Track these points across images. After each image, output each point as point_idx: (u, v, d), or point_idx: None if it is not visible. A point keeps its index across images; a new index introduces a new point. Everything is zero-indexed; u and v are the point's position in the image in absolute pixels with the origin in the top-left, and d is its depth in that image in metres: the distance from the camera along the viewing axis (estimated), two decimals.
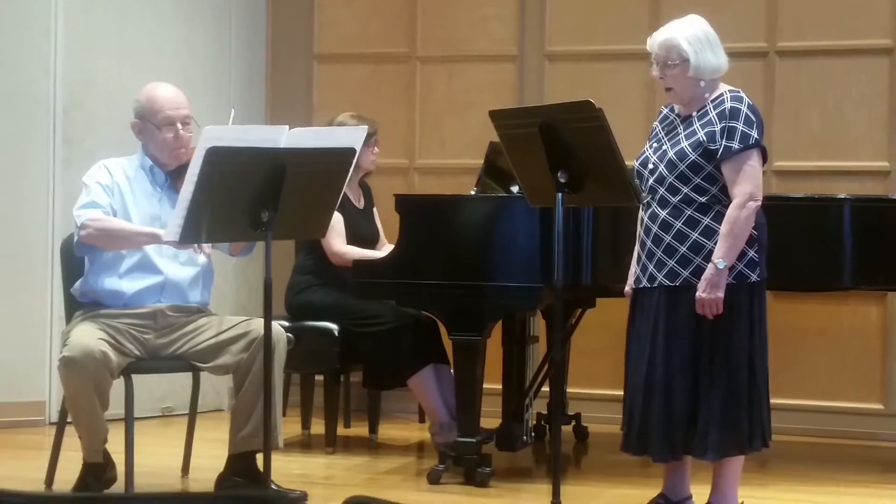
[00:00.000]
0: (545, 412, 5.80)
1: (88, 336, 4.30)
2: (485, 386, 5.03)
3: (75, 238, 4.49)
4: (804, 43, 6.25)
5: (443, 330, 5.19)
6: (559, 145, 3.97)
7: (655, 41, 4.17)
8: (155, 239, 4.38)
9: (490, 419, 5.34)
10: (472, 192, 5.28)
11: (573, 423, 5.91)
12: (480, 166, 5.40)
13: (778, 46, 6.29)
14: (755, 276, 4.13)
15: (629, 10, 6.38)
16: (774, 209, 4.87)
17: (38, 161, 6.08)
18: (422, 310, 5.32)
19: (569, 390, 5.97)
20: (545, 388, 5.64)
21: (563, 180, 3.98)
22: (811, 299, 6.07)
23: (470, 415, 4.93)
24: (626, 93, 6.33)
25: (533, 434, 5.53)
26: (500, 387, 5.39)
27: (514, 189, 5.19)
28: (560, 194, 3.99)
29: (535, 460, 5.56)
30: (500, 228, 4.96)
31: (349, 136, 4.11)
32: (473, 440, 4.92)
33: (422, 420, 6.16)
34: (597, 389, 6.20)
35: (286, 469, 5.07)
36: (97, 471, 4.42)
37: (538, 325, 5.62)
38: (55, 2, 6.09)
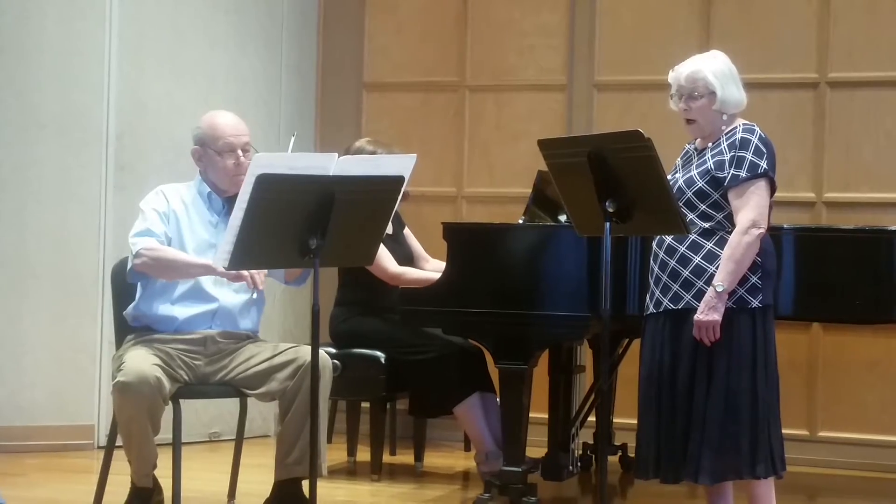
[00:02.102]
0: (591, 442, 5.77)
1: (143, 361, 4.32)
2: (531, 415, 5.02)
3: (129, 265, 4.51)
4: (855, 74, 6.22)
5: (489, 358, 5.19)
6: (608, 175, 3.96)
7: (681, 74, 4.26)
8: (208, 270, 4.41)
9: (536, 448, 5.33)
10: (520, 221, 5.29)
11: (619, 453, 5.88)
12: (528, 195, 5.40)
13: (829, 77, 6.26)
14: (756, 303, 4.14)
15: (678, 40, 6.37)
16: (825, 241, 4.83)
17: (90, 186, 6.14)
18: (468, 338, 5.31)
19: (615, 420, 5.93)
20: (591, 418, 5.62)
21: (611, 210, 3.97)
22: (862, 332, 6.02)
23: (516, 444, 4.92)
24: (674, 123, 6.28)
25: (579, 464, 5.51)
26: (547, 416, 5.37)
27: (562, 218, 5.19)
28: (608, 224, 3.98)
29: (581, 490, 5.53)
30: (547, 257, 4.95)
31: (398, 163, 4.12)
32: (519, 469, 4.90)
33: (467, 448, 6.15)
34: None
35: (331, 496, 5.07)
36: (145, 495, 4.43)
37: (585, 355, 5.60)
38: (109, 29, 6.16)
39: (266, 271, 4.45)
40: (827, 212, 6.23)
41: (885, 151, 6.17)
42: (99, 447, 5.94)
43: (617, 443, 5.89)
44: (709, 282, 4.11)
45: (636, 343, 5.70)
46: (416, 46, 6.91)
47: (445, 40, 6.86)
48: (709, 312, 4.09)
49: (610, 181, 3.97)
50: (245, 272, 4.35)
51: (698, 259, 4.15)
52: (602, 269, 4.04)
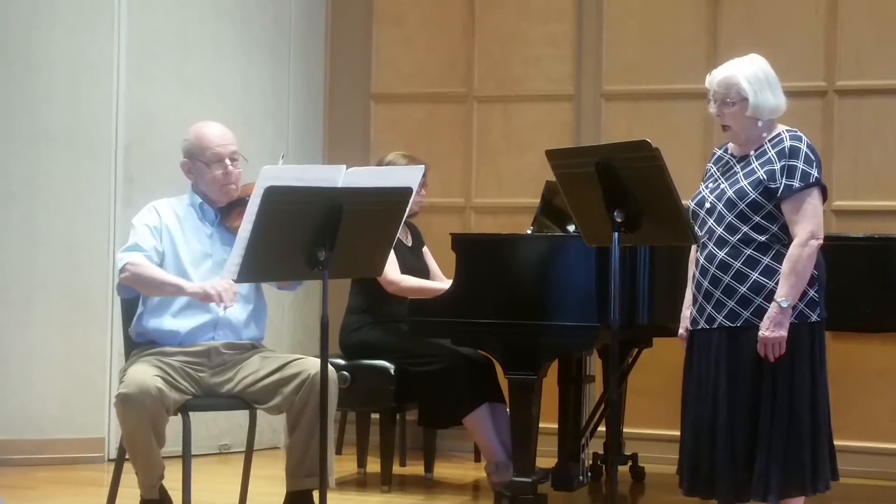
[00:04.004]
0: (601, 452, 5.76)
1: (144, 373, 4.33)
2: (541, 425, 5.01)
3: (116, 280, 4.54)
4: (863, 81, 6.21)
5: (499, 368, 5.18)
6: (616, 185, 3.96)
7: (715, 79, 4.17)
8: (179, 291, 4.43)
9: (546, 459, 5.32)
10: (529, 232, 5.29)
11: (630, 463, 5.87)
12: (537, 205, 5.40)
13: (837, 85, 6.25)
14: (815, 317, 4.10)
15: (686, 49, 6.37)
16: (834, 248, 4.82)
17: (98, 198, 6.15)
18: (478, 348, 5.31)
19: (625, 430, 5.93)
20: (601, 428, 5.61)
21: (619, 220, 3.97)
22: (871, 340, 6.00)
23: (526, 454, 4.91)
24: (683, 132, 6.32)
25: (589, 474, 5.50)
26: (557, 426, 5.36)
27: (571, 228, 5.19)
28: (616, 234, 3.98)
29: (592, 500, 5.52)
30: (556, 268, 4.95)
31: (405, 175, 4.13)
32: (529, 480, 4.89)
33: (477, 459, 6.14)
34: (653, 430, 6.15)
35: None
36: None
37: (594, 365, 5.60)
38: (117, 41, 6.18)
39: (230, 286, 4.40)
40: (836, 220, 6.22)
41: (893, 159, 6.16)
42: (109, 460, 5.94)
43: (627, 452, 5.88)
44: (768, 298, 4.03)
45: (646, 353, 5.72)
46: (424, 57, 6.92)
47: (453, 51, 6.87)
48: (775, 329, 4.01)
49: (618, 191, 3.96)
50: (212, 292, 4.35)
51: (756, 275, 4.06)
52: (611, 279, 4.04)
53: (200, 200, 4.65)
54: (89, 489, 5.50)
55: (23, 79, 6.08)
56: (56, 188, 6.10)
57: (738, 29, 6.36)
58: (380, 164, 5.61)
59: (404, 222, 5.73)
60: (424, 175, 5.65)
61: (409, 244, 5.74)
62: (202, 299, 4.41)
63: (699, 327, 4.17)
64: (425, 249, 5.83)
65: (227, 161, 4.60)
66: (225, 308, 4.45)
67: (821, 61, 6.28)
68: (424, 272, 5.73)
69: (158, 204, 4.65)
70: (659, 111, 6.43)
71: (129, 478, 4.51)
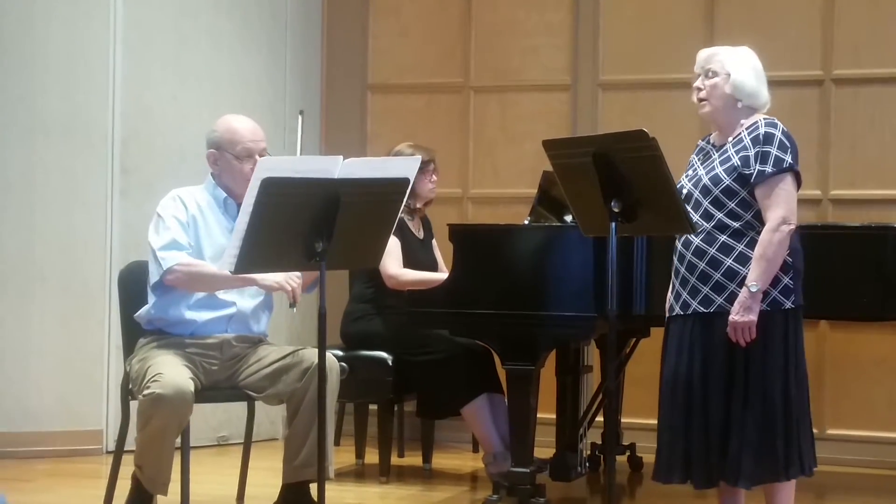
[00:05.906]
0: (599, 442, 5.77)
1: (179, 374, 4.28)
2: (539, 415, 5.01)
3: (156, 278, 4.43)
4: (860, 71, 6.21)
5: (497, 359, 5.19)
6: (613, 175, 3.96)
7: (701, 55, 4.25)
8: (250, 283, 4.42)
9: (544, 449, 5.33)
10: (526, 222, 5.29)
11: (627, 453, 5.88)
12: (534, 196, 5.40)
13: (834, 74, 6.26)
14: (790, 304, 4.11)
15: (683, 39, 6.37)
16: (831, 238, 4.83)
17: (95, 190, 6.15)
18: (475, 339, 5.31)
19: (623, 420, 5.93)
20: (599, 418, 5.62)
21: (616, 210, 3.97)
22: (869, 329, 6.01)
23: (524, 444, 4.92)
24: (679, 122, 6.30)
25: (587, 464, 5.51)
26: (555, 416, 5.37)
27: (568, 218, 5.19)
28: (614, 224, 3.98)
29: (590, 490, 5.53)
30: (553, 258, 4.95)
31: (403, 165, 4.13)
32: (527, 470, 4.90)
33: (475, 449, 6.15)
34: (651, 419, 6.10)
35: (340, 499, 5.07)
36: (145, 498, 4.40)
37: (592, 355, 5.60)
38: (113, 32, 6.17)
39: (301, 282, 4.43)
40: (833, 209, 6.22)
41: (890, 148, 6.17)
42: (107, 452, 5.94)
43: (625, 443, 5.89)
44: (741, 284, 4.04)
45: (643, 343, 5.72)
46: (420, 48, 6.91)
47: (449, 41, 6.86)
48: (744, 313, 4.03)
49: (615, 181, 3.96)
50: (287, 286, 4.37)
51: (730, 262, 4.08)
52: (608, 269, 4.04)
53: (225, 195, 4.62)
54: (87, 481, 5.51)
55: (19, 70, 6.07)
56: (53, 180, 6.10)
57: (735, 18, 6.36)
58: (388, 155, 5.61)
59: (419, 215, 5.76)
60: (433, 162, 5.68)
61: (421, 237, 5.75)
62: (275, 290, 4.43)
63: (674, 314, 4.21)
64: (434, 242, 5.83)
65: (257, 157, 4.56)
66: (293, 305, 4.44)
67: (818, 50, 6.28)
68: (433, 265, 5.73)
69: (182, 193, 4.58)
70: (656, 101, 6.43)
71: (128, 470, 4.51)
